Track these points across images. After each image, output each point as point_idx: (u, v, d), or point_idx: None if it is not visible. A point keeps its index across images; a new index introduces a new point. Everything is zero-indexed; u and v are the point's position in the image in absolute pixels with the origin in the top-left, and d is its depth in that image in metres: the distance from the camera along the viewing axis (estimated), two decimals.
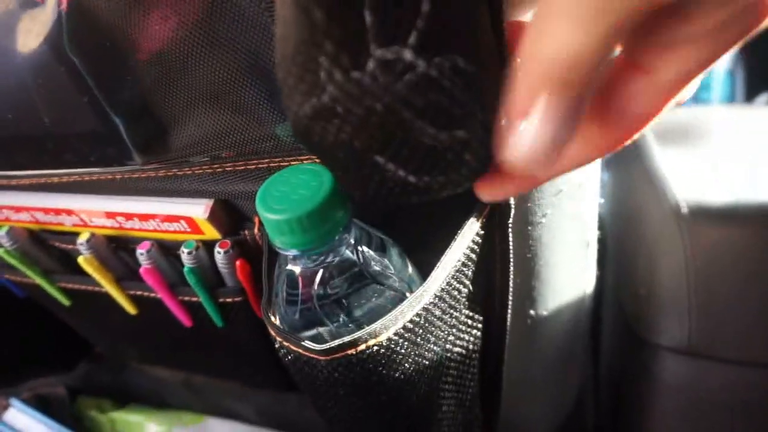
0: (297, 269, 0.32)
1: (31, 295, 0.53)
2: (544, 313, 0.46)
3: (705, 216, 0.49)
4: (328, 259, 0.31)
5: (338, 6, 0.18)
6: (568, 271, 0.45)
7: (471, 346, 0.40)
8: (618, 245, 0.62)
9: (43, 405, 0.76)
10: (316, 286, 0.31)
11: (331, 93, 0.20)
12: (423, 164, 0.22)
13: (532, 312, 0.45)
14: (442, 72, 0.19)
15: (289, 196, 0.28)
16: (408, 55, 0.19)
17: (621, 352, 0.65)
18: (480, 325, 0.40)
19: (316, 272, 0.31)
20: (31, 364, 0.74)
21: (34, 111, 0.32)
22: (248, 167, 0.33)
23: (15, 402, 0.71)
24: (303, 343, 0.30)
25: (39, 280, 0.48)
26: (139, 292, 0.44)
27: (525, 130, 0.19)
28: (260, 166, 0.32)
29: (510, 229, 0.35)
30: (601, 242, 0.50)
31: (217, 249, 0.38)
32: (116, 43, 0.28)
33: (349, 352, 0.30)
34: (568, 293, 0.47)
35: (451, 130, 0.21)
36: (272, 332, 0.32)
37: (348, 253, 0.32)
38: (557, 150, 0.19)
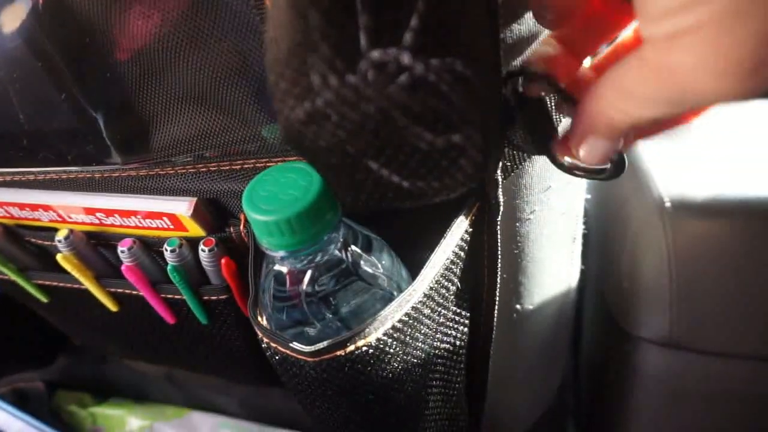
0: (284, 269, 0.31)
1: (7, 291, 0.52)
2: (530, 307, 0.46)
3: (688, 210, 0.49)
4: (317, 259, 0.31)
5: (335, 8, 0.17)
6: (554, 266, 0.46)
7: (458, 342, 0.40)
8: (601, 238, 0.62)
9: (20, 400, 0.75)
10: (304, 286, 0.31)
11: (325, 97, 0.19)
12: (418, 169, 0.22)
13: (517, 306, 0.45)
14: (439, 75, 0.19)
15: (277, 195, 0.28)
16: (404, 57, 0.18)
17: (602, 343, 0.66)
18: (467, 321, 0.40)
19: (305, 272, 0.31)
20: (7, 358, 0.72)
21: (9, 106, 0.31)
22: (233, 167, 0.32)
23: None
24: (291, 344, 0.29)
25: (15, 277, 0.47)
26: (120, 290, 0.43)
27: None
28: (246, 166, 0.32)
29: (498, 227, 0.34)
30: (585, 235, 0.51)
31: (201, 247, 0.37)
32: (96, 39, 0.27)
33: (338, 353, 0.29)
34: (554, 287, 0.47)
35: (447, 135, 0.20)
36: (259, 333, 0.31)
37: (336, 252, 0.31)
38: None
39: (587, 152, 0.24)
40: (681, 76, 0.18)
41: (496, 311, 0.40)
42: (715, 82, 0.17)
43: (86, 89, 0.29)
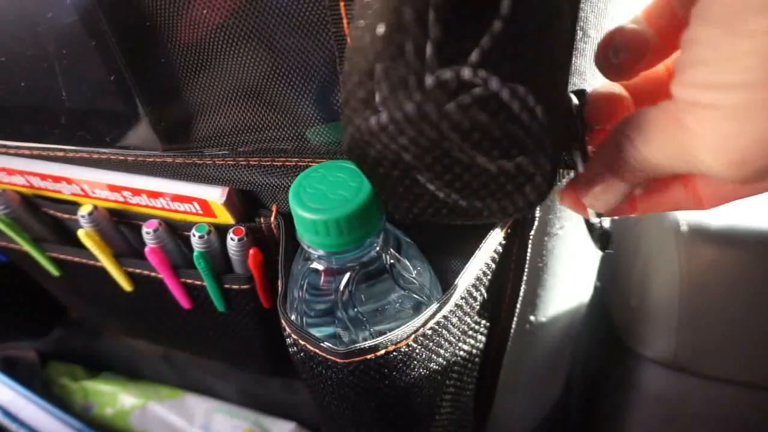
0: (321, 267, 0.31)
1: (16, 261, 0.51)
2: (543, 319, 0.46)
3: (703, 236, 0.50)
4: (356, 260, 0.30)
5: (435, 24, 0.17)
6: (571, 280, 0.46)
7: (474, 351, 0.40)
8: (612, 253, 0.63)
9: (11, 368, 0.74)
10: (341, 286, 0.31)
11: (405, 111, 0.19)
12: (480, 191, 0.22)
13: (531, 318, 0.46)
14: (522, 101, 0.19)
15: (325, 194, 0.27)
16: (493, 81, 0.18)
17: (601, 356, 0.66)
18: (485, 331, 0.40)
19: (342, 272, 0.31)
20: (2, 325, 0.71)
21: (53, 82, 0.30)
22: (274, 163, 0.32)
23: None
24: (322, 344, 0.29)
25: (28, 248, 0.46)
26: (138, 270, 0.43)
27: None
28: (287, 164, 0.31)
29: (530, 240, 0.35)
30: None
31: (230, 236, 0.36)
32: (155, 22, 0.26)
33: (369, 356, 0.29)
34: (568, 301, 0.48)
35: (518, 161, 0.20)
36: (288, 329, 0.31)
37: (375, 254, 0.31)
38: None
39: (596, 194, 0.24)
40: (688, 139, 0.19)
41: (514, 322, 0.41)
42: (711, 158, 0.18)
43: (138, 73, 0.28)
